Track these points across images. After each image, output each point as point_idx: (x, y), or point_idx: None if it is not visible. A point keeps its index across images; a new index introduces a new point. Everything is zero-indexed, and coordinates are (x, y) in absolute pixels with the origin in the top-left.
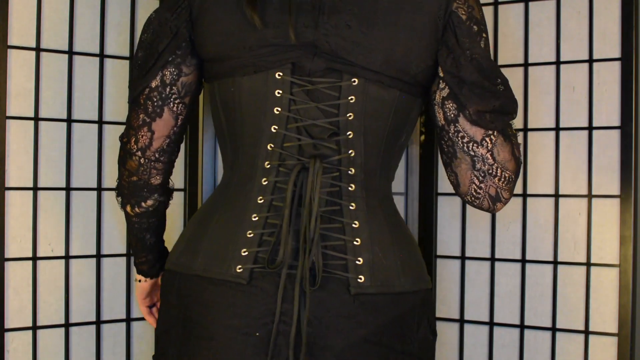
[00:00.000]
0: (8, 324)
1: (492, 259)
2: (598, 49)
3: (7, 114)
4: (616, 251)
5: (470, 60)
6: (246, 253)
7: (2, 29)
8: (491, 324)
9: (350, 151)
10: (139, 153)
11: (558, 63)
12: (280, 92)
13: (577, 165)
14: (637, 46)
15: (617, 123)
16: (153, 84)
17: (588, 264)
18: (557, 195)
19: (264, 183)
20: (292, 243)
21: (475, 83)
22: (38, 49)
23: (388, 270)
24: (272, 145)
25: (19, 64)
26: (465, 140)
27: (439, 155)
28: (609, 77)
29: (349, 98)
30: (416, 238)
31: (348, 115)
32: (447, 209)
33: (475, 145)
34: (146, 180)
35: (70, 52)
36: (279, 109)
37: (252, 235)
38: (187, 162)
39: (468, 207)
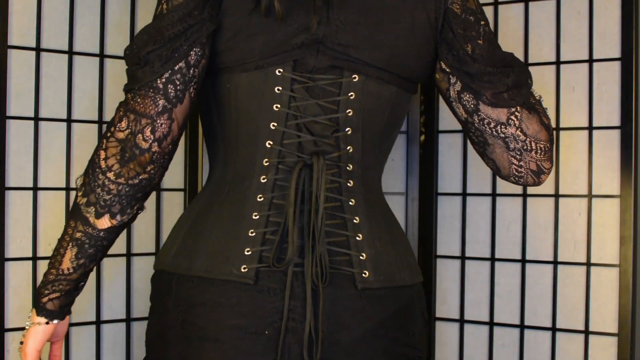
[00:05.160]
0: (8, 324)
1: (492, 259)
2: (598, 49)
3: (7, 114)
4: (616, 251)
5: (469, 53)
6: (249, 252)
7: (2, 29)
8: (491, 324)
9: (348, 147)
10: (155, 145)
11: (558, 63)
12: (280, 88)
13: (577, 165)
14: (637, 46)
15: (617, 123)
16: (176, 67)
17: (588, 264)
18: (557, 195)
19: (263, 181)
20: (297, 241)
21: (481, 72)
22: (38, 49)
23: (389, 265)
24: (271, 143)
25: (19, 64)
26: (492, 125)
27: (439, 155)
28: (609, 77)
29: (349, 94)
30: (416, 238)
31: (347, 111)
32: (447, 209)
33: (502, 126)
34: (151, 180)
35: (70, 52)
36: (279, 106)
37: (254, 234)
38: (187, 162)
39: (468, 206)
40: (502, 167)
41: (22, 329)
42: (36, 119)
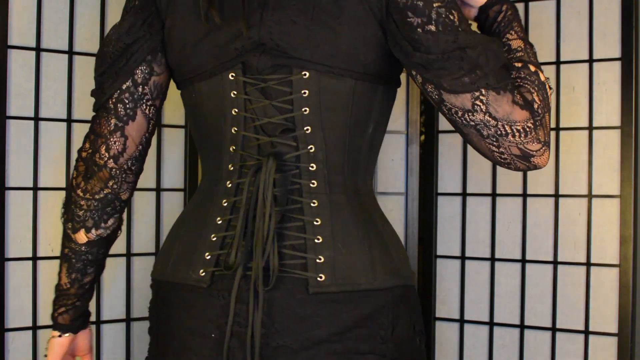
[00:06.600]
0: (8, 324)
1: (492, 259)
2: (598, 49)
3: (7, 114)
4: (616, 251)
5: (412, 43)
6: (209, 257)
7: (2, 29)
8: (491, 324)
9: (309, 147)
10: (111, 162)
11: (558, 63)
12: (236, 92)
13: (577, 165)
14: (637, 46)
15: (617, 123)
16: (124, 86)
17: (588, 264)
18: (557, 195)
19: (228, 186)
20: (250, 244)
21: (429, 61)
22: (38, 49)
23: (353, 268)
24: (234, 147)
25: (19, 64)
26: (460, 114)
27: (440, 155)
28: (609, 77)
29: (302, 92)
30: (416, 238)
31: (303, 109)
32: (447, 209)
33: (469, 114)
34: (116, 194)
35: (70, 52)
36: (237, 110)
37: (215, 238)
38: (187, 162)
39: (468, 207)
40: (486, 155)
41: (22, 329)
42: (36, 119)
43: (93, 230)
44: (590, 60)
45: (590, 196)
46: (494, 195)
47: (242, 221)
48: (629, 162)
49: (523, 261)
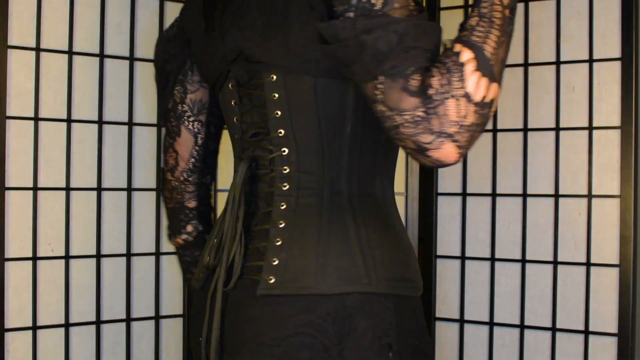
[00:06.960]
0: (8, 324)
1: (492, 259)
2: (598, 49)
3: (7, 114)
4: (616, 251)
5: (319, 35)
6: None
7: (2, 29)
8: (491, 324)
9: (283, 149)
10: (169, 174)
11: (558, 63)
12: (234, 101)
13: (577, 165)
14: (637, 46)
15: (617, 123)
16: (169, 106)
17: (588, 264)
18: (557, 195)
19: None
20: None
21: (334, 52)
22: (38, 49)
23: (303, 271)
24: (237, 153)
25: (19, 64)
26: (370, 105)
27: None
28: (609, 77)
29: (273, 95)
30: (416, 238)
31: (276, 112)
32: (447, 209)
33: (374, 105)
34: (182, 203)
35: (70, 52)
36: (236, 118)
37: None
38: None
39: (468, 207)
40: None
41: (22, 329)
42: (36, 119)
43: (178, 236)
44: (590, 60)
45: (590, 196)
46: (494, 195)
47: (218, 224)
48: (629, 162)
49: (523, 261)
